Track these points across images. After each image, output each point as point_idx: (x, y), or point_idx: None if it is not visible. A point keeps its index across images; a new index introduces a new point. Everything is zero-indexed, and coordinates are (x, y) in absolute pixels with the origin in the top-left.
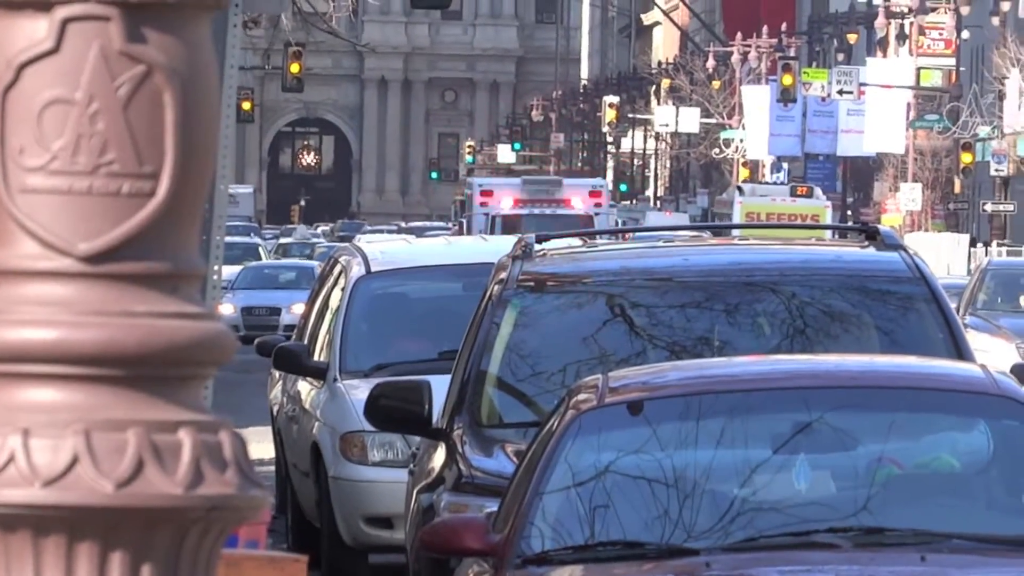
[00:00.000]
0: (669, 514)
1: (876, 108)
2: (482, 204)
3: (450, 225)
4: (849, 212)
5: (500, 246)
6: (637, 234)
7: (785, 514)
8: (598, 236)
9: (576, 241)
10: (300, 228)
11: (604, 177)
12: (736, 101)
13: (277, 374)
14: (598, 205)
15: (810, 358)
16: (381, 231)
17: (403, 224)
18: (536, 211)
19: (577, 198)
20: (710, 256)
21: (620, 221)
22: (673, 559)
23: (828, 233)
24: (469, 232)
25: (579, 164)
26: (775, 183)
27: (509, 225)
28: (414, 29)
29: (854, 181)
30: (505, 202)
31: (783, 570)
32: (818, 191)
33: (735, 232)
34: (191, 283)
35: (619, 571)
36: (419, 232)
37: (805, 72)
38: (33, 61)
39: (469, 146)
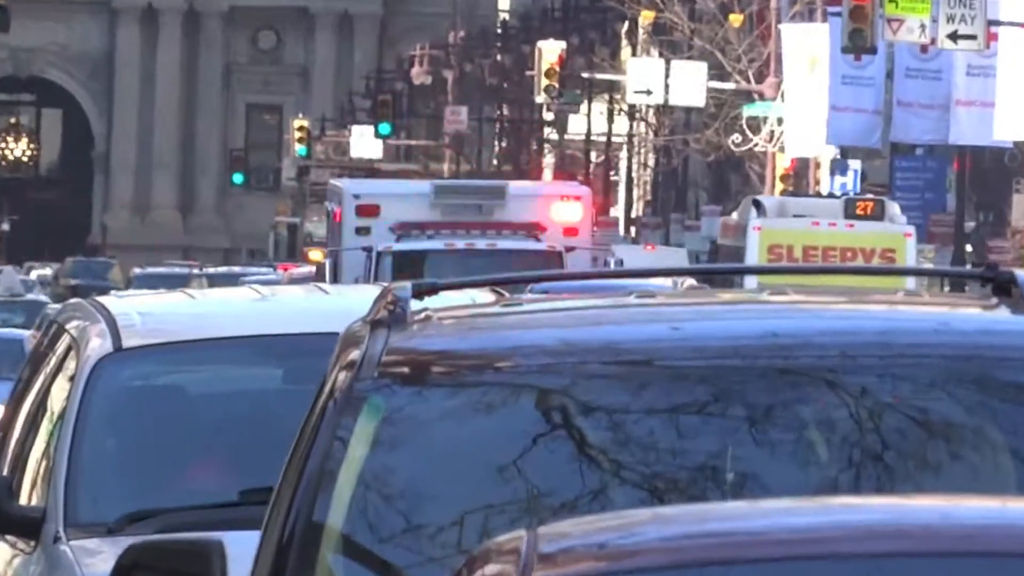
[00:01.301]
0: None
1: (1017, 66)
2: (359, 230)
3: (271, 269)
4: (969, 247)
5: (352, 302)
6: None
7: None
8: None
9: (486, 294)
10: (7, 272)
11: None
12: (771, 51)
13: None
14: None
15: (894, 502)
16: (152, 278)
17: (196, 269)
18: (460, 243)
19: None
20: (719, 322)
21: (612, 262)
22: None
23: (921, 281)
24: (336, 281)
25: (494, 161)
26: (839, 195)
27: (410, 268)
28: None
29: (978, 192)
30: (403, 227)
31: None
32: (894, 208)
33: (752, 279)
34: None
35: None
36: (233, 280)
37: (891, 2)
38: None
39: (301, 128)
